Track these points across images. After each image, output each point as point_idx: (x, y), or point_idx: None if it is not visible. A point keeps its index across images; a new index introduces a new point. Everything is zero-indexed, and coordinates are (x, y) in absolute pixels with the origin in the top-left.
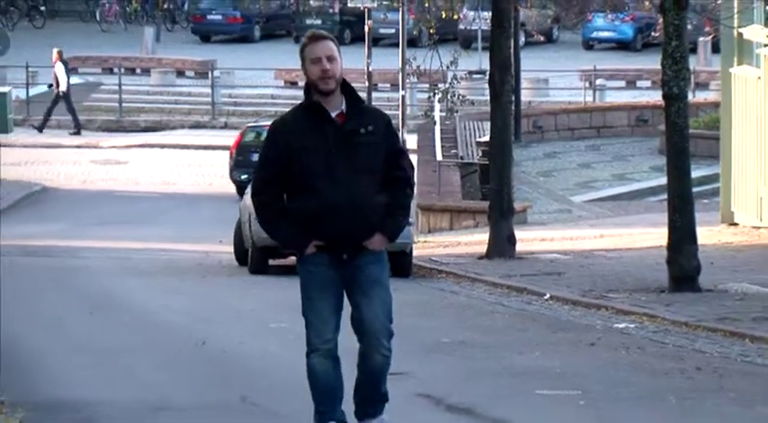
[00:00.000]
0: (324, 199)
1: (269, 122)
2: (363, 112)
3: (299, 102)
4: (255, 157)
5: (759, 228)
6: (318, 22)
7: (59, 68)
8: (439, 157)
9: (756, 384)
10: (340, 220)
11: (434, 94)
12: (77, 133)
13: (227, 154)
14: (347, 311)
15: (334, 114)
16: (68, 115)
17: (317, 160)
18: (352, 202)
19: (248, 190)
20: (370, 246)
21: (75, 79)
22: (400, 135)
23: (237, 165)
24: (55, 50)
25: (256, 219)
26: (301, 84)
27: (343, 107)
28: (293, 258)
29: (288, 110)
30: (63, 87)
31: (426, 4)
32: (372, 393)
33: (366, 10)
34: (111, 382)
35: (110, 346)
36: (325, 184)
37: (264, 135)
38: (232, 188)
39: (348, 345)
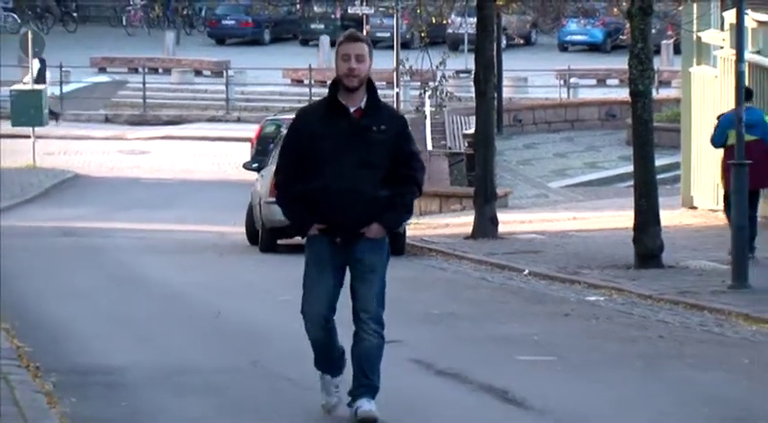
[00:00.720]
0: (327, 185)
1: (286, 116)
2: (381, 112)
3: (322, 97)
4: (271, 146)
5: (716, 211)
6: (322, 26)
7: (34, 65)
8: (429, 147)
9: (713, 351)
10: (339, 207)
11: (425, 91)
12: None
13: (240, 145)
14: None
15: (352, 109)
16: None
17: (328, 149)
18: (354, 193)
19: (257, 176)
20: (368, 234)
21: (103, 78)
22: None
23: (258, 153)
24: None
25: (276, 192)
26: (306, 82)
27: (363, 104)
28: (300, 238)
29: (303, 104)
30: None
31: (418, 11)
32: (363, 379)
33: (364, 16)
34: (135, 348)
35: (134, 316)
36: (330, 172)
37: (281, 128)
38: (244, 175)
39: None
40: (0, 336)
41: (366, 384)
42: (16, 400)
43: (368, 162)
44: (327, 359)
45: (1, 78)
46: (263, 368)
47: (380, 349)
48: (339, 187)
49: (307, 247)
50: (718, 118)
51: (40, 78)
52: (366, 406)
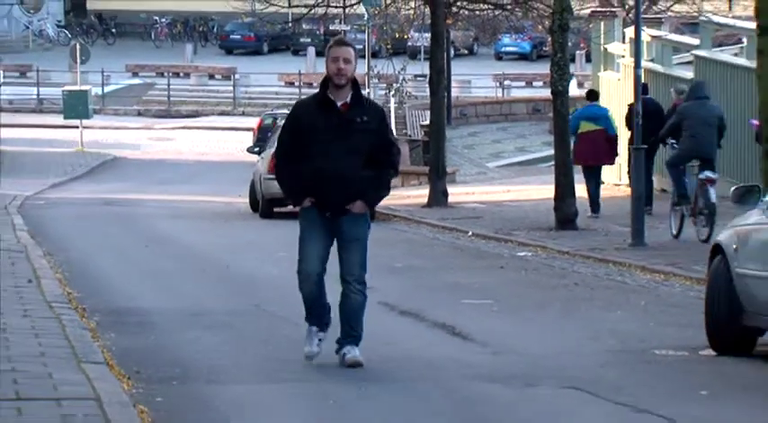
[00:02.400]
0: (319, 168)
1: (280, 111)
2: (364, 106)
3: (316, 91)
4: (269, 134)
5: (618, 185)
6: (309, 40)
7: None
8: (394, 135)
9: (617, 295)
10: (329, 187)
11: (390, 91)
12: None
13: (245, 134)
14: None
15: (339, 103)
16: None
17: (320, 137)
18: (340, 175)
19: (258, 158)
20: (353, 209)
21: (136, 80)
22: None
23: (258, 140)
24: None
25: (275, 171)
26: (296, 84)
27: (348, 99)
28: (291, 207)
29: (300, 98)
30: None
31: (384, 28)
32: (349, 331)
33: (342, 32)
34: (160, 294)
35: (160, 268)
36: (321, 157)
37: (277, 120)
38: (247, 157)
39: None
40: (54, 284)
41: (352, 335)
42: (66, 335)
43: (352, 149)
44: (316, 313)
45: (55, 81)
46: (263, 310)
47: (363, 305)
48: (328, 171)
49: (300, 216)
50: (572, 113)
51: None
52: (352, 352)
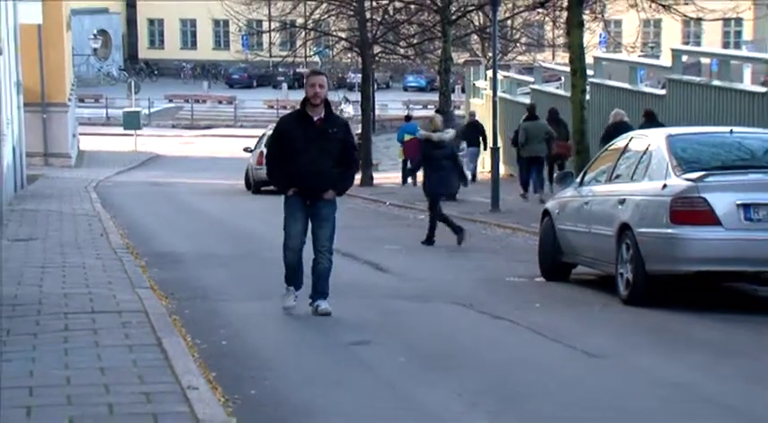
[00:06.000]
0: (302, 167)
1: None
2: (333, 120)
3: (297, 108)
4: (256, 142)
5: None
6: (283, 78)
7: None
8: (355, 141)
9: (479, 242)
10: (309, 181)
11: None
12: None
13: (241, 139)
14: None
15: (315, 118)
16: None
17: (301, 145)
18: (319, 172)
19: (249, 155)
20: (326, 196)
21: (171, 105)
22: None
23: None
24: None
25: (265, 169)
26: (275, 107)
27: (322, 115)
28: (272, 188)
29: (285, 113)
30: None
31: (331, 70)
32: (320, 288)
33: (304, 73)
34: (187, 243)
35: (187, 226)
36: (303, 159)
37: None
38: (243, 154)
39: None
40: (117, 237)
41: (321, 292)
42: (125, 270)
43: (327, 152)
44: (294, 276)
45: (117, 104)
46: (256, 255)
47: (330, 270)
48: (309, 169)
49: (285, 204)
50: (400, 127)
51: None
52: (323, 305)
